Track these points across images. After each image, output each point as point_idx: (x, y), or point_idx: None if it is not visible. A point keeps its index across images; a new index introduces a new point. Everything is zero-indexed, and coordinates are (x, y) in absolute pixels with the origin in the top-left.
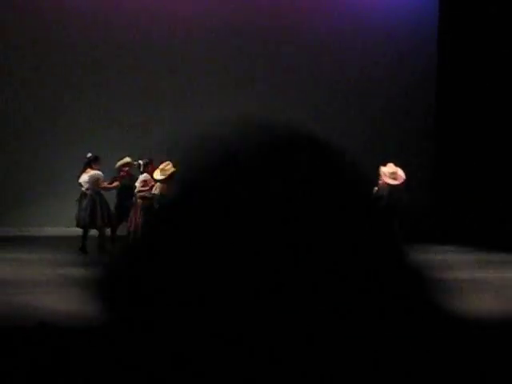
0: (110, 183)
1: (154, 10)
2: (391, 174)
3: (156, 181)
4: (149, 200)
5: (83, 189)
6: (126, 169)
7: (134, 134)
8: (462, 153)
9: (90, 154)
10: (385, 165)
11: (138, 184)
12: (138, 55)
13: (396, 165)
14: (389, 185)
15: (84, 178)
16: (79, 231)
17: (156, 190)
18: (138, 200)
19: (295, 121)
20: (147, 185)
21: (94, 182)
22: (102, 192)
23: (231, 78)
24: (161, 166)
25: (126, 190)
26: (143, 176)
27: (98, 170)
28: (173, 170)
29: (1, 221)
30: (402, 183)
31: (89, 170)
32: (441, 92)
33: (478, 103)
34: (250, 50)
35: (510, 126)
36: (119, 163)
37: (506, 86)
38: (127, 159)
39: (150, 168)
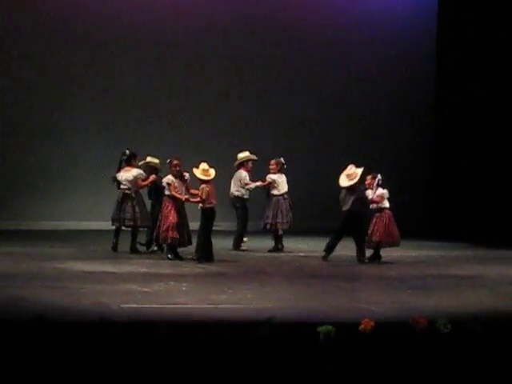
0: (145, 180)
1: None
2: (348, 175)
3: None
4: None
5: (124, 187)
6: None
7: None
8: (460, 150)
9: (127, 151)
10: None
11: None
12: (144, 50)
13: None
14: (345, 187)
15: (126, 176)
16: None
17: (203, 194)
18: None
19: (295, 117)
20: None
21: (136, 181)
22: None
23: (232, 75)
24: (201, 167)
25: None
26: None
27: (138, 168)
28: (214, 172)
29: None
30: (356, 183)
31: (128, 167)
32: (439, 91)
33: (477, 101)
34: (247, 47)
35: (508, 122)
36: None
37: (506, 82)
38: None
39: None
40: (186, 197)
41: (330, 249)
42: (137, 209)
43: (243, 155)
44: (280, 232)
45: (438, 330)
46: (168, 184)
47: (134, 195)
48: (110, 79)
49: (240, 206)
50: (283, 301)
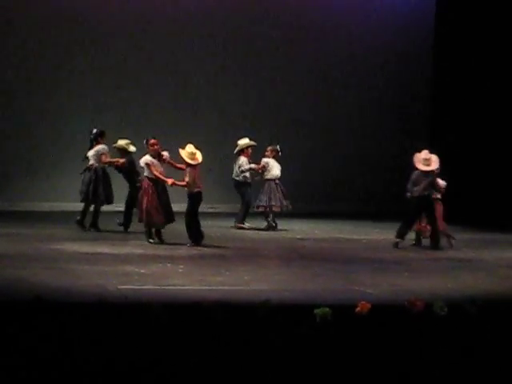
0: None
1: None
2: (424, 160)
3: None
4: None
5: (89, 164)
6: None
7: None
8: (458, 136)
9: (95, 130)
10: (420, 152)
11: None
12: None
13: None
14: (421, 171)
15: (90, 152)
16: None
17: (187, 177)
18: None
19: (295, 98)
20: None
21: (99, 156)
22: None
23: (229, 56)
24: (187, 149)
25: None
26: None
27: (104, 144)
28: (200, 156)
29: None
30: (435, 170)
31: (96, 145)
32: (437, 79)
33: (475, 88)
34: (249, 33)
35: (505, 113)
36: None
37: (503, 77)
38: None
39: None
40: (172, 180)
41: (401, 235)
42: (92, 186)
43: (243, 142)
44: (271, 214)
45: (434, 313)
46: (147, 165)
47: (94, 171)
48: (103, 61)
49: (242, 190)
50: (280, 283)
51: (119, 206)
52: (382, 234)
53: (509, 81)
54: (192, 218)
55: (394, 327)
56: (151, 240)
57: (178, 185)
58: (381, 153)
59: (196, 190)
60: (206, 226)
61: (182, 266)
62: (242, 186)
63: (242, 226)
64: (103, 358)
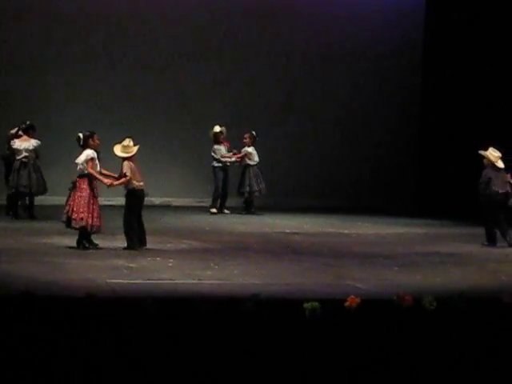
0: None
1: None
2: (498, 157)
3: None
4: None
5: (21, 156)
6: None
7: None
8: (445, 130)
9: (28, 122)
10: (486, 149)
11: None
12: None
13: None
14: (498, 168)
15: (25, 144)
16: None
17: (128, 171)
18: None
19: (284, 90)
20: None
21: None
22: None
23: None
24: (123, 143)
25: None
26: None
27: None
28: (136, 147)
29: None
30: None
31: (26, 137)
32: (426, 77)
33: (463, 85)
34: (240, 24)
35: (491, 109)
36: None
37: (493, 70)
38: None
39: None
40: (110, 181)
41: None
42: (33, 176)
43: (213, 131)
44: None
45: (423, 308)
46: (92, 159)
47: (32, 163)
48: (94, 57)
49: (215, 175)
50: (269, 277)
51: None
52: (371, 228)
53: (499, 78)
54: (132, 218)
55: (383, 322)
56: (86, 244)
57: (118, 184)
58: (370, 149)
59: (136, 185)
60: (195, 219)
61: (171, 260)
62: (215, 172)
63: (212, 210)
64: (92, 351)
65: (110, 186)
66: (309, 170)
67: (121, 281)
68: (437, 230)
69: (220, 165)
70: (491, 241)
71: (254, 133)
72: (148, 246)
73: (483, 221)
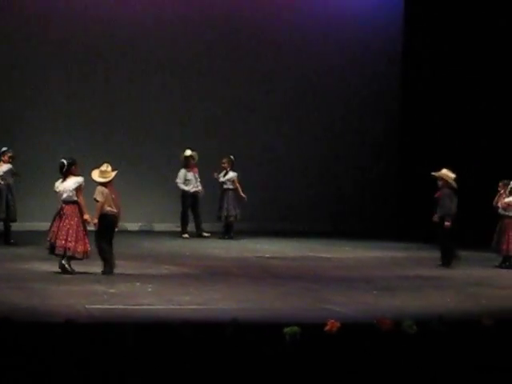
0: None
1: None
2: (454, 178)
3: (97, 183)
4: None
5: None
6: None
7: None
8: (423, 155)
9: (4, 148)
10: (439, 170)
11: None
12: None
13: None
14: (454, 190)
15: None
16: (38, 226)
17: (98, 196)
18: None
19: (266, 115)
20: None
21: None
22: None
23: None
24: (101, 168)
25: None
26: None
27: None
28: (114, 173)
29: None
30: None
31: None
32: (405, 90)
33: (441, 100)
34: (215, 43)
35: (471, 125)
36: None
37: (470, 81)
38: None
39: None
40: (87, 217)
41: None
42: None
43: (185, 154)
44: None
45: (403, 331)
46: (81, 187)
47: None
48: (86, 76)
49: (182, 201)
50: (249, 302)
51: None
52: (350, 252)
53: (479, 84)
54: (102, 242)
55: (364, 346)
56: (72, 269)
57: (96, 215)
58: (349, 177)
59: (108, 210)
60: (175, 244)
61: (150, 286)
62: (182, 197)
63: (184, 236)
64: (72, 377)
65: (86, 220)
66: (289, 196)
67: (100, 306)
68: (416, 253)
69: (186, 189)
70: (451, 260)
71: (231, 157)
72: (127, 271)
73: (447, 243)
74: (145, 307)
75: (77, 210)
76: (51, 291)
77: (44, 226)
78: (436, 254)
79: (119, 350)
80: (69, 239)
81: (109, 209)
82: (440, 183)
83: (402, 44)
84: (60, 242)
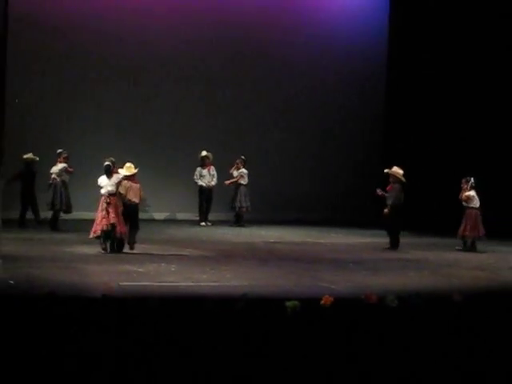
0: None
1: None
2: (403, 174)
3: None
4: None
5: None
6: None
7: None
8: (407, 147)
9: (60, 150)
10: (390, 168)
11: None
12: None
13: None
14: (403, 184)
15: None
16: (81, 215)
17: (121, 189)
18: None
19: (271, 119)
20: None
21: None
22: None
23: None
24: (126, 165)
25: None
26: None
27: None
28: (136, 170)
29: (17, 206)
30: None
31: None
32: (390, 93)
33: (426, 102)
34: (229, 59)
35: (454, 123)
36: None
37: (455, 85)
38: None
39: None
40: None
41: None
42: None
43: (201, 154)
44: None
45: (386, 305)
46: (120, 182)
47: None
48: (106, 86)
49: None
50: (256, 280)
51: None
52: (343, 238)
53: (462, 91)
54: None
55: (353, 317)
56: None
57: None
58: (342, 171)
59: (127, 199)
60: (194, 231)
61: (173, 266)
62: (199, 191)
63: (201, 224)
64: (108, 345)
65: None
66: (291, 189)
67: (131, 283)
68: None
69: (202, 184)
70: (396, 245)
71: (243, 157)
72: (154, 253)
73: (393, 228)
74: (169, 284)
75: (117, 200)
76: (89, 270)
77: (84, 215)
78: (414, 240)
79: (147, 321)
80: (120, 223)
81: (128, 198)
82: (391, 179)
83: (387, 48)
84: (117, 228)
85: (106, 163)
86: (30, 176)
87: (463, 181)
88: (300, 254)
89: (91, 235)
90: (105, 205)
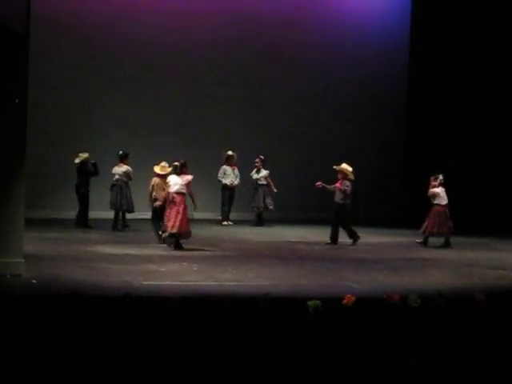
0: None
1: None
2: (352, 171)
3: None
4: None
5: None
6: None
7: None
8: (428, 148)
9: (121, 152)
10: (339, 164)
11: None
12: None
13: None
14: (351, 181)
15: (117, 170)
16: (105, 215)
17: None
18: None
19: (290, 122)
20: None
21: (127, 174)
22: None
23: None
24: (161, 164)
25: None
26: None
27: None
28: (170, 169)
29: (41, 205)
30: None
31: (121, 164)
32: (412, 91)
33: (447, 103)
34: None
35: (470, 124)
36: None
37: (476, 85)
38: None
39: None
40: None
41: (354, 236)
42: (120, 195)
43: (227, 154)
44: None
45: (409, 305)
46: (190, 183)
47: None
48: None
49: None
50: (278, 279)
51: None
52: (365, 237)
53: (485, 85)
54: (155, 222)
55: (375, 316)
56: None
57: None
58: (365, 172)
59: (155, 195)
60: (215, 230)
61: (195, 265)
62: (222, 190)
63: (223, 223)
64: (130, 343)
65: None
66: (312, 189)
67: (154, 282)
68: (419, 239)
69: (226, 182)
70: (356, 237)
71: (262, 157)
72: (176, 252)
73: (345, 224)
74: (190, 283)
75: (184, 199)
76: (112, 270)
77: (105, 214)
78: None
79: (169, 319)
80: (177, 223)
81: (156, 195)
82: (340, 175)
83: (409, 48)
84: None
85: (174, 164)
86: (88, 176)
87: (432, 178)
88: (321, 253)
89: (169, 230)
90: (177, 203)
